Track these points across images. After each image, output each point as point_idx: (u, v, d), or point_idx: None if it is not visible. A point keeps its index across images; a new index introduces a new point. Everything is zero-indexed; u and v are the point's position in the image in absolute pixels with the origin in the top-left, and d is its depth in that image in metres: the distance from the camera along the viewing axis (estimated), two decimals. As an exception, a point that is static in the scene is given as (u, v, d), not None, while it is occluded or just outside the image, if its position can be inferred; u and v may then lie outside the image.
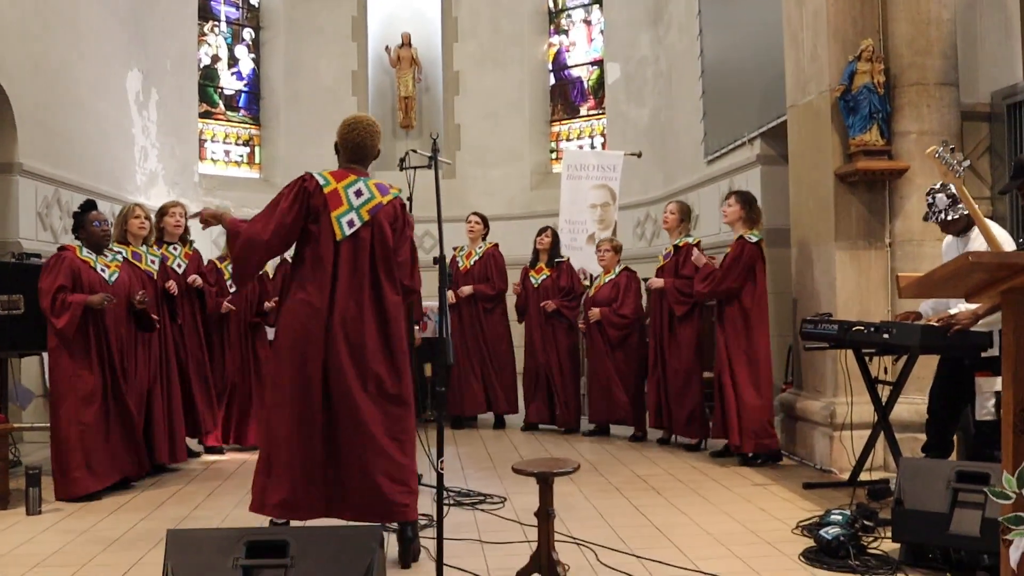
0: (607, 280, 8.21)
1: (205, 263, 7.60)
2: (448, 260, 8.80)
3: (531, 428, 8.50)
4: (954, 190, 5.09)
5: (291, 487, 4.29)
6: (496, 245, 8.96)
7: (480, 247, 8.86)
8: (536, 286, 8.54)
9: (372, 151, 4.66)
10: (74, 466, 5.84)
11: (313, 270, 4.39)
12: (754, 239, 6.92)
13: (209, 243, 12.10)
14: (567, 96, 14.67)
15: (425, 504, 5.45)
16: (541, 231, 8.79)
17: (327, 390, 4.32)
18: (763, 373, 6.86)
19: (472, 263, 8.80)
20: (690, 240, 7.57)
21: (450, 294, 8.59)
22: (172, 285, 6.87)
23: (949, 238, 5.51)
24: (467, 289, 8.63)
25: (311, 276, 4.39)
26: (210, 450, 7.45)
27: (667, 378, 7.50)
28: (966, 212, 5.12)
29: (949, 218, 5.25)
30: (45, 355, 7.34)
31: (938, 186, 5.38)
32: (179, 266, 7.18)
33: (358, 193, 4.47)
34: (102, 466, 5.97)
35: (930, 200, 5.36)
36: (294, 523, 4.41)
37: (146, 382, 6.51)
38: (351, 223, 4.40)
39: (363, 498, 4.30)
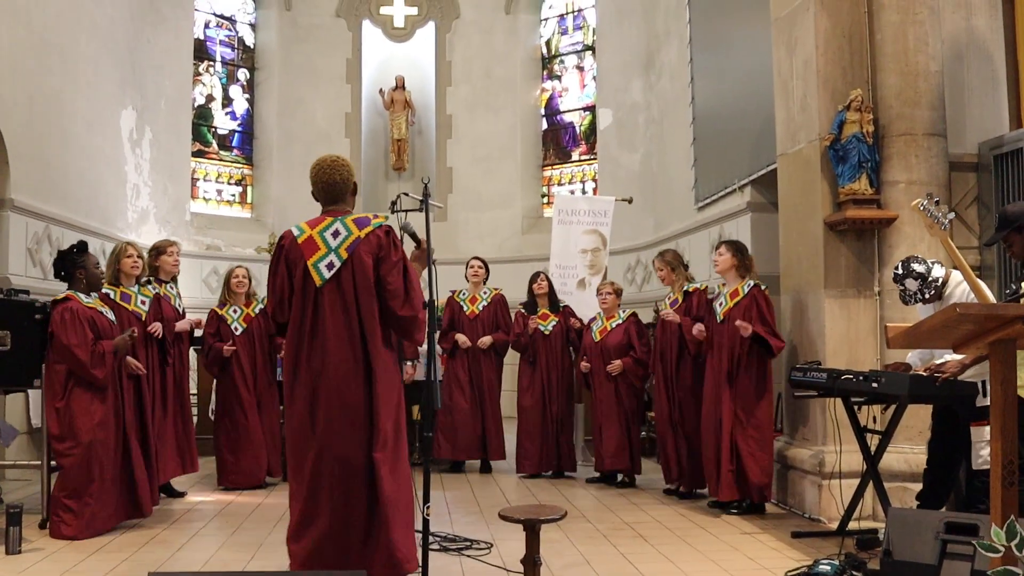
0: (614, 325, 8.08)
1: (207, 314, 7.70)
2: (446, 303, 8.83)
3: (534, 476, 8.37)
4: (917, 264, 5.17)
5: (313, 542, 4.23)
6: (500, 291, 8.92)
7: (485, 292, 8.83)
8: (547, 333, 8.46)
9: (345, 187, 4.50)
10: (82, 502, 5.87)
11: (298, 323, 4.33)
12: (763, 287, 6.85)
13: (198, 280, 12.12)
14: (559, 141, 14.77)
15: (410, 549, 5.41)
16: (535, 277, 8.73)
17: (328, 450, 4.23)
18: (768, 429, 6.78)
19: (480, 309, 8.74)
20: (698, 286, 7.51)
21: (464, 339, 8.56)
22: (156, 327, 6.86)
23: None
24: (487, 340, 8.57)
25: (295, 330, 4.33)
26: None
27: (684, 427, 7.32)
28: (939, 281, 5.19)
29: (927, 296, 5.29)
30: (31, 392, 7.32)
31: (900, 270, 5.40)
32: (180, 306, 7.24)
33: (335, 234, 4.36)
34: (107, 506, 6.00)
35: (901, 288, 5.39)
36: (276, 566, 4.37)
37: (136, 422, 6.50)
38: (330, 265, 4.30)
39: (379, 555, 4.22)
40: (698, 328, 7.14)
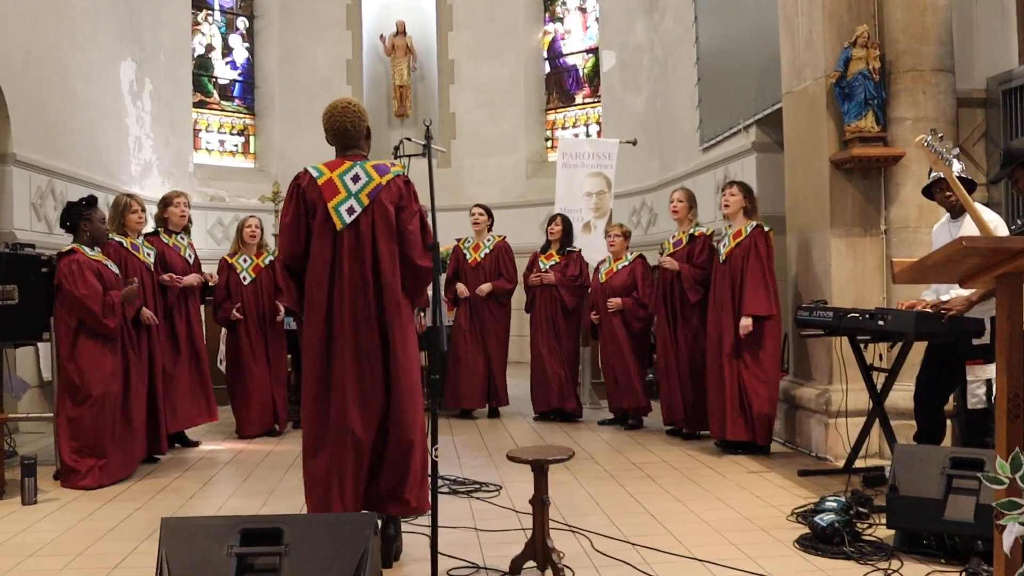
0: (620, 267, 8.12)
1: (218, 262, 7.73)
2: (451, 251, 8.82)
3: (543, 417, 8.46)
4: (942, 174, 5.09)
5: (326, 485, 4.25)
6: (504, 238, 8.89)
7: (488, 240, 8.79)
8: (544, 270, 8.49)
9: (359, 133, 4.47)
10: (95, 455, 5.95)
11: (318, 268, 4.29)
12: (767, 228, 6.82)
13: (203, 232, 12.12)
14: (562, 84, 14.64)
15: (420, 492, 5.46)
16: (551, 220, 8.72)
17: (345, 393, 4.25)
18: (773, 371, 6.79)
19: (482, 256, 8.72)
20: (704, 230, 7.46)
21: (463, 288, 8.57)
22: (169, 277, 6.91)
23: (940, 223, 5.51)
24: (486, 287, 8.56)
25: (315, 276, 4.30)
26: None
27: (690, 369, 7.33)
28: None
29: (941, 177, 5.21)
30: (41, 345, 7.36)
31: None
32: (190, 256, 7.25)
33: (355, 178, 4.32)
34: (121, 454, 6.09)
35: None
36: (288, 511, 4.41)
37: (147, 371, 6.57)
38: (351, 210, 4.27)
39: (391, 493, 4.29)
40: (670, 261, 7.34)
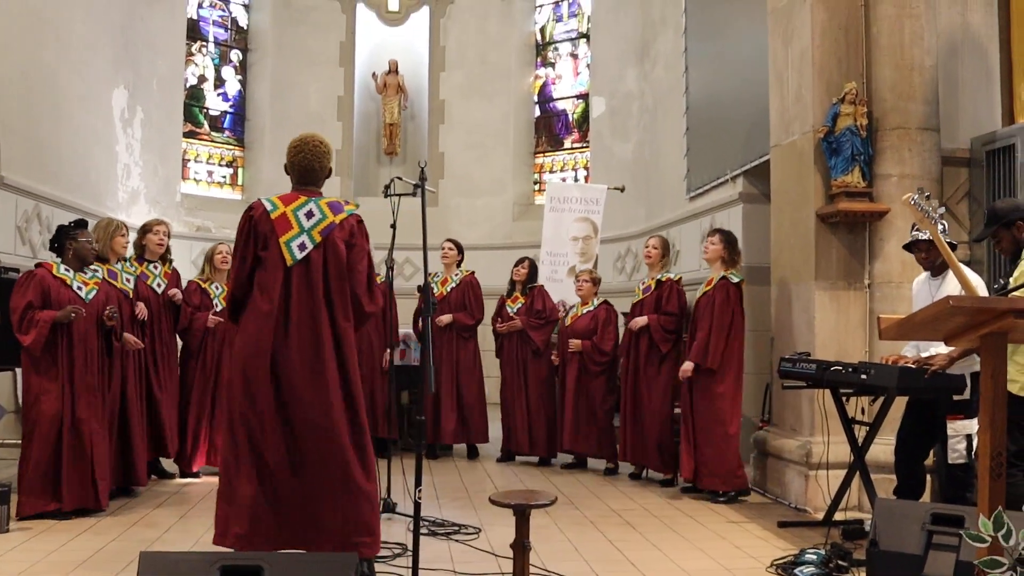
0: (585, 311, 8.21)
1: (185, 283, 7.56)
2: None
3: (508, 459, 8.45)
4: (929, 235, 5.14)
5: (251, 520, 4.19)
6: (473, 273, 8.91)
7: (456, 274, 8.82)
8: (513, 314, 8.53)
9: (322, 172, 4.49)
10: (32, 486, 5.80)
11: (263, 300, 4.26)
12: (735, 280, 6.98)
13: (187, 261, 12.07)
14: (552, 128, 14.75)
15: (400, 533, 5.43)
16: (518, 262, 8.78)
17: (287, 424, 4.20)
18: (731, 413, 6.89)
19: (448, 290, 8.73)
20: (672, 276, 7.60)
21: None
22: (141, 308, 6.81)
23: (920, 279, 5.57)
24: (446, 318, 8.56)
25: (259, 308, 4.25)
26: (186, 474, 7.34)
27: (644, 417, 7.46)
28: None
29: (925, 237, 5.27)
30: (19, 371, 7.28)
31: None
32: (158, 285, 7.15)
33: (309, 215, 4.32)
34: (56, 490, 5.89)
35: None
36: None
37: (118, 402, 6.46)
38: (302, 246, 4.27)
39: (325, 534, 4.21)
40: (638, 321, 7.53)
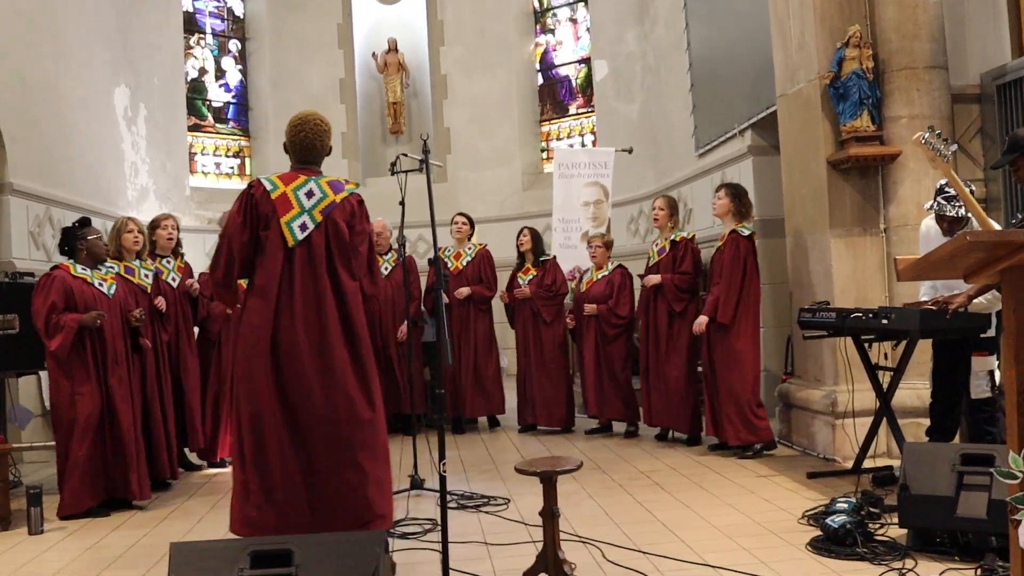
0: (600, 276, 8.19)
1: (198, 275, 7.55)
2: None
3: (528, 429, 8.45)
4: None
5: (264, 507, 4.15)
6: (486, 246, 8.91)
7: (470, 248, 8.80)
8: (524, 285, 8.49)
9: (322, 150, 4.42)
10: (76, 485, 5.80)
11: (265, 282, 4.19)
12: (746, 233, 6.94)
13: (202, 255, 12.10)
14: (556, 95, 14.66)
15: (430, 508, 5.45)
16: (519, 233, 8.74)
17: (290, 410, 4.14)
18: (750, 365, 6.88)
19: (464, 264, 8.72)
20: (685, 235, 7.57)
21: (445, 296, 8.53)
22: (161, 302, 6.81)
23: (928, 220, 5.50)
24: (464, 291, 8.54)
25: (261, 290, 4.19)
26: (215, 464, 7.38)
27: (666, 377, 7.45)
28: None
29: (959, 215, 5.19)
30: (43, 374, 7.32)
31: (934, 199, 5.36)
32: (173, 279, 7.14)
33: (309, 194, 4.24)
34: (99, 486, 5.93)
35: (949, 192, 5.27)
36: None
37: (141, 399, 6.47)
38: (303, 227, 4.19)
39: (339, 512, 4.15)
40: (651, 278, 7.56)
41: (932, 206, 5.33)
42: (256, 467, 4.16)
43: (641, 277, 7.75)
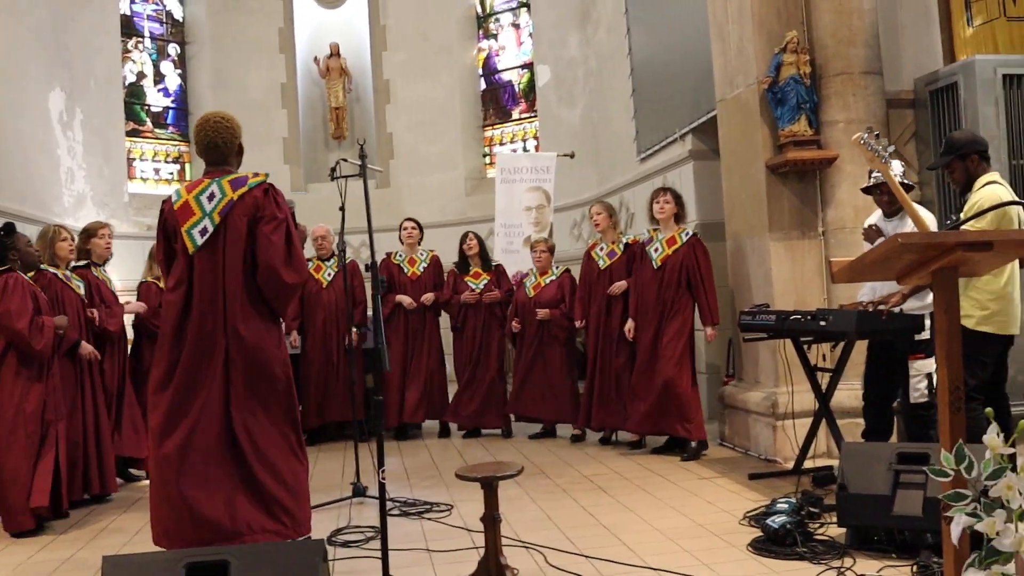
0: (548, 281, 8.17)
1: (141, 287, 7.47)
2: (380, 263, 8.75)
3: (473, 435, 8.42)
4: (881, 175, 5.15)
5: (164, 520, 4.07)
6: (435, 252, 8.86)
7: (422, 253, 8.73)
8: (479, 290, 8.44)
9: (229, 149, 4.26)
10: (20, 500, 5.58)
11: (173, 294, 4.11)
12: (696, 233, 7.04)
13: (141, 262, 11.90)
14: (499, 100, 14.65)
15: (371, 516, 5.39)
16: (464, 238, 8.67)
17: (187, 422, 4.03)
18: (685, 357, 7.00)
19: (420, 270, 8.63)
20: (635, 237, 7.62)
21: (409, 300, 8.48)
22: (94, 313, 6.66)
23: (872, 219, 5.57)
24: (430, 296, 8.48)
25: (170, 302, 4.12)
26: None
27: (617, 380, 7.45)
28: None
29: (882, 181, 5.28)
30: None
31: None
32: (113, 288, 7.04)
33: (211, 197, 4.11)
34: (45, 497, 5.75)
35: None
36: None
37: (79, 408, 6.33)
38: (203, 231, 4.06)
39: (247, 527, 4.06)
40: (616, 287, 7.50)
41: (873, 191, 5.44)
42: (158, 479, 4.09)
43: (579, 284, 7.79)
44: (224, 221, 4.08)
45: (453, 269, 8.65)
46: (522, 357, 8.20)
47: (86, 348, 6.30)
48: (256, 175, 4.21)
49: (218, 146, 4.24)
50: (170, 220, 4.17)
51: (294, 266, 4.13)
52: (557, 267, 8.30)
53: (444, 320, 8.75)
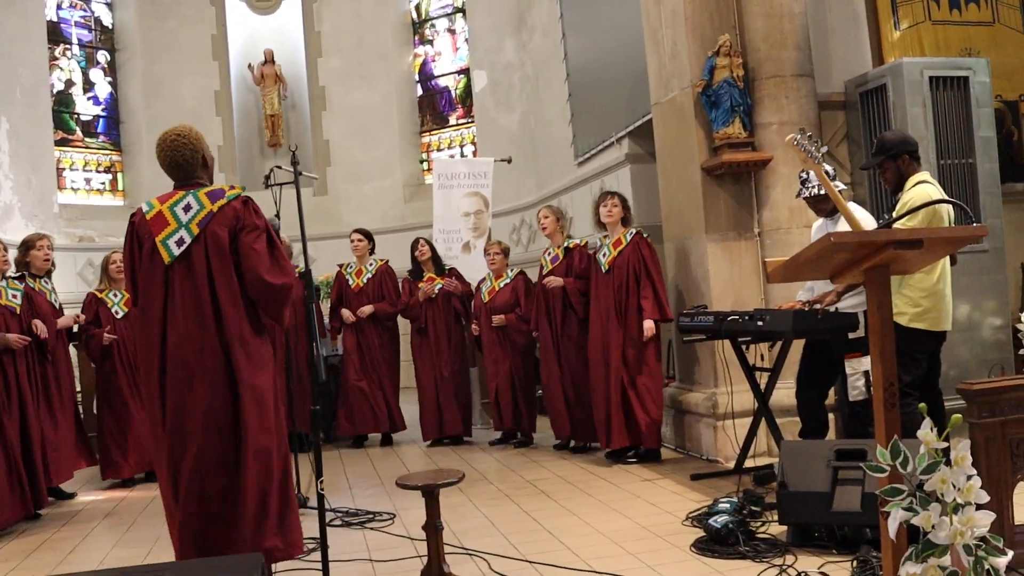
0: (502, 284, 8.15)
1: (85, 298, 7.34)
2: (334, 277, 8.69)
3: (438, 443, 8.35)
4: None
5: (173, 531, 3.97)
6: (387, 261, 8.78)
7: (371, 264, 8.66)
8: (434, 297, 8.39)
9: (193, 164, 4.16)
10: None
11: (147, 303, 4.01)
12: (645, 234, 6.98)
13: (73, 274, 11.68)
14: (435, 106, 14.62)
15: (312, 527, 5.31)
16: (415, 244, 8.62)
17: (178, 435, 3.91)
18: (657, 368, 6.94)
19: (364, 281, 8.57)
20: (578, 241, 7.60)
21: (348, 314, 8.41)
22: (38, 324, 6.51)
23: (819, 222, 5.63)
24: (367, 309, 8.41)
25: (145, 312, 4.01)
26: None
27: (574, 382, 7.39)
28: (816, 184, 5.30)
29: (821, 193, 5.35)
30: None
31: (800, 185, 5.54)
32: (56, 301, 6.92)
33: (187, 208, 4.03)
34: None
35: (803, 176, 5.47)
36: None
37: (17, 424, 6.18)
38: (180, 242, 3.98)
39: (224, 542, 3.91)
40: (554, 280, 7.43)
41: (802, 193, 5.51)
42: (164, 493, 3.99)
43: (534, 289, 7.77)
44: (203, 233, 4.00)
45: (407, 277, 8.59)
46: (489, 369, 8.15)
47: (11, 337, 6.15)
48: (232, 188, 4.15)
49: (180, 164, 4.14)
50: (141, 230, 4.06)
51: (280, 268, 4.05)
52: (512, 269, 8.26)
53: (403, 326, 8.68)
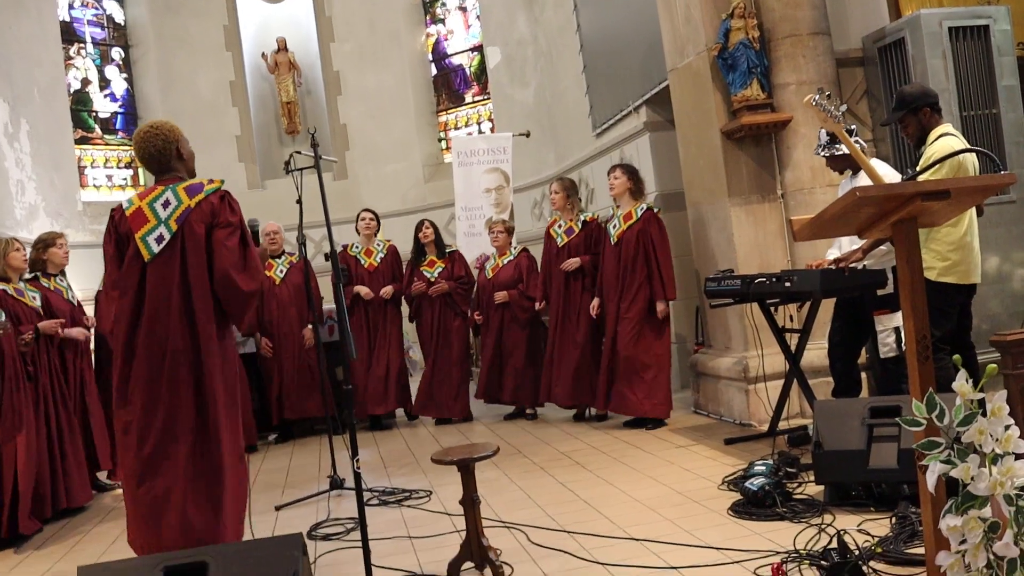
0: (506, 261, 8.17)
1: (96, 293, 7.35)
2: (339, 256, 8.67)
3: (445, 422, 8.38)
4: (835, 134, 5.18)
5: (136, 524, 3.97)
6: (391, 242, 8.79)
7: (379, 244, 8.67)
8: (432, 280, 8.38)
9: (168, 155, 4.12)
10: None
11: (126, 303, 3.97)
12: (656, 210, 7.03)
13: (98, 270, 11.70)
14: (451, 85, 14.58)
15: (350, 508, 5.37)
16: (419, 226, 8.60)
17: (147, 429, 3.91)
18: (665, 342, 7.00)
19: (378, 261, 8.56)
20: (592, 215, 7.64)
21: (367, 291, 8.42)
22: (54, 325, 6.54)
23: (845, 180, 5.59)
24: (389, 290, 8.40)
25: (124, 309, 3.98)
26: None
27: (581, 356, 7.45)
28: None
29: (840, 152, 5.32)
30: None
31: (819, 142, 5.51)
32: (73, 299, 6.94)
33: (166, 204, 3.99)
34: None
35: (826, 139, 5.44)
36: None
37: (43, 422, 6.23)
38: (159, 239, 3.94)
39: (193, 534, 3.89)
40: (571, 263, 7.51)
41: (818, 151, 5.49)
42: (126, 484, 4.01)
43: (541, 263, 7.79)
44: (181, 228, 3.98)
45: (409, 261, 8.60)
46: (486, 343, 8.19)
47: (46, 325, 6.23)
48: (211, 182, 4.12)
49: (154, 156, 4.11)
50: (122, 227, 4.04)
51: (249, 272, 4.01)
52: (516, 247, 8.27)
53: (407, 309, 8.71)
